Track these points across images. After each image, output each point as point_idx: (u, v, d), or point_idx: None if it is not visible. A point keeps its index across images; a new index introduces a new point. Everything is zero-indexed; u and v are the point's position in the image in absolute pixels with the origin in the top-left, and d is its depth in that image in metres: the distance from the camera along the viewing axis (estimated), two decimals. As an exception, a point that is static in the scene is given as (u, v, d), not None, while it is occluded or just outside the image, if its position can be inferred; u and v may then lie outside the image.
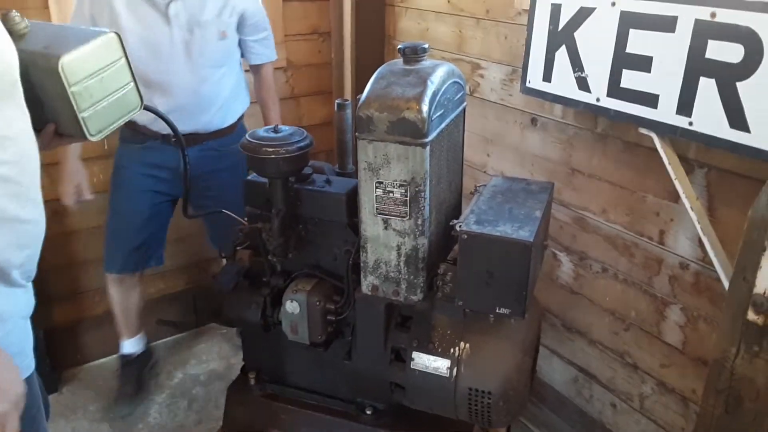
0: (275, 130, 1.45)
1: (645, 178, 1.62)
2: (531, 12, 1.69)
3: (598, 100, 1.55)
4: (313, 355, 1.65)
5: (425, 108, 1.24)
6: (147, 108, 1.21)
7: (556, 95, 1.67)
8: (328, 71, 2.61)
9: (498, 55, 1.99)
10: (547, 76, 1.68)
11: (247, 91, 2.17)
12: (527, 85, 1.75)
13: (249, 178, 1.58)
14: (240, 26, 2.00)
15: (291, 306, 1.54)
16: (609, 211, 1.75)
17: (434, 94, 1.27)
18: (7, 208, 0.90)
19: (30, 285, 1.04)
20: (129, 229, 2.10)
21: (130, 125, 1.98)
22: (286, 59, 2.50)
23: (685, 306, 1.62)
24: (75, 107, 1.01)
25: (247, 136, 1.45)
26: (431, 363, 1.46)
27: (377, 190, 1.33)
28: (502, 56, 1.97)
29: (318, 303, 1.52)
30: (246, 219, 1.64)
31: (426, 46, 1.34)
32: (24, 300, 1.02)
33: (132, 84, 1.13)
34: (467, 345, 1.43)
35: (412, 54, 1.33)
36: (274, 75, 2.49)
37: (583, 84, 1.58)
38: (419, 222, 1.33)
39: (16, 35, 0.97)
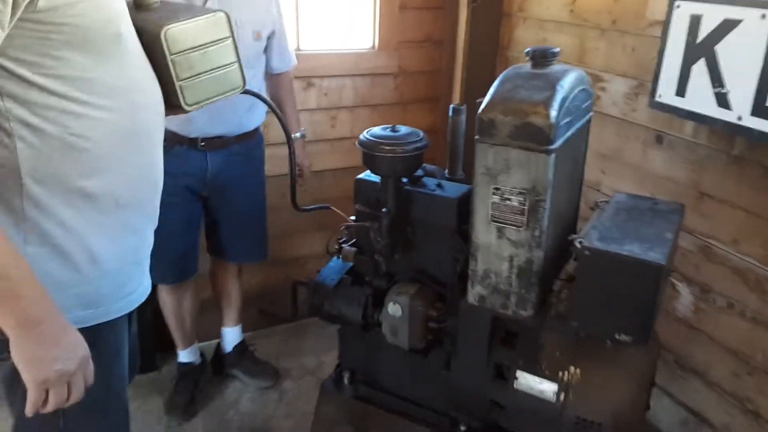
0: (393, 129, 1.44)
1: (789, 207, 1.47)
2: (666, 23, 1.59)
3: (739, 118, 1.42)
4: (411, 362, 1.62)
5: (553, 113, 1.18)
6: (248, 92, 1.25)
7: (690, 111, 1.56)
8: (438, 79, 2.59)
9: (623, 68, 1.89)
10: (680, 91, 1.57)
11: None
12: (657, 99, 1.65)
13: (360, 176, 1.58)
14: (271, 34, 1.97)
15: (393, 308, 1.52)
16: (741, 242, 1.60)
17: (563, 100, 1.22)
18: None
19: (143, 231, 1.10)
20: (164, 242, 1.87)
21: None
22: (398, 66, 2.51)
23: (828, 353, 1.45)
24: (174, 75, 1.06)
25: (365, 133, 1.46)
26: (536, 385, 1.38)
27: (494, 196, 1.28)
28: (627, 69, 1.87)
29: (421, 308, 1.49)
30: (354, 217, 1.65)
31: (556, 50, 1.29)
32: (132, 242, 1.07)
33: (236, 64, 1.17)
34: (578, 370, 1.34)
35: (542, 57, 1.28)
36: (384, 81, 2.53)
37: (722, 100, 1.46)
38: (536, 233, 1.27)
39: (145, 8, 1.08)
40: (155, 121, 1.08)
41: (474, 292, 1.39)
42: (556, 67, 1.29)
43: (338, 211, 1.69)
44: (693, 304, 1.77)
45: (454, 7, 2.42)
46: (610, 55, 1.93)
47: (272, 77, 2.09)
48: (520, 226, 1.28)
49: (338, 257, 1.67)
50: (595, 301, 1.24)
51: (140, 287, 1.11)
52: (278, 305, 2.60)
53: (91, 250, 0.99)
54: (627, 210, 1.38)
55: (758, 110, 1.37)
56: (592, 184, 2.06)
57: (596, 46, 1.97)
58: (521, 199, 1.26)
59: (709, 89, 1.49)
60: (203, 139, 1.89)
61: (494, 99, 1.24)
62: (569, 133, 1.27)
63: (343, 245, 1.63)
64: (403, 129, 1.45)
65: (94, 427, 1.09)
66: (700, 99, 1.52)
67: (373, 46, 2.49)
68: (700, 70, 1.52)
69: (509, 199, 1.27)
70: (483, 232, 1.33)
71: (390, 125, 1.47)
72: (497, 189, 1.28)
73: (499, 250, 1.32)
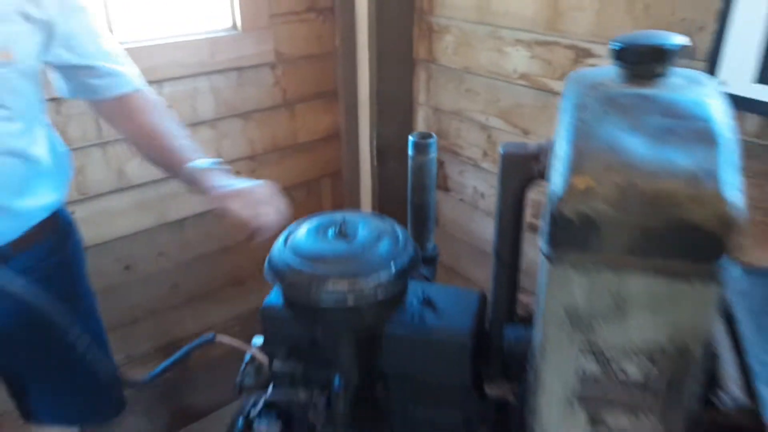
0: (341, 231, 0.70)
1: None
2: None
3: None
4: None
5: (732, 196, 0.53)
6: None
7: (788, 107, 0.98)
8: (333, 65, 1.84)
9: (627, 37, 1.27)
10: (764, 76, 0.99)
11: (67, 155, 1.20)
12: (722, 89, 1.05)
13: (270, 301, 0.83)
14: (56, 42, 1.01)
15: None
16: None
17: (735, 160, 0.56)
18: None
19: None
20: None
21: None
22: (275, 51, 1.72)
23: None
24: None
25: (281, 245, 0.70)
26: None
27: (586, 360, 0.62)
28: (635, 38, 1.26)
29: None
30: (259, 349, 0.92)
31: (678, 41, 0.62)
32: None
33: None
34: None
35: (653, 61, 0.61)
36: (257, 75, 1.73)
37: None
38: (674, 423, 0.63)
39: None
40: None
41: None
42: (676, 80, 0.63)
43: (230, 340, 0.96)
44: None
45: (346, -41, 1.66)
46: (605, 17, 1.31)
47: (109, 106, 1.13)
48: (641, 413, 0.63)
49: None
50: None
51: None
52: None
53: None
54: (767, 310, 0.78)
55: None
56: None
57: (579, 3, 1.34)
58: (648, 365, 0.60)
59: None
60: None
61: (584, 166, 0.55)
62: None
63: (256, 421, 0.89)
64: (359, 226, 0.71)
65: None
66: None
67: (234, 26, 1.67)
68: (805, 40, 0.93)
69: (619, 366, 0.61)
70: (558, 421, 0.66)
71: (331, 217, 0.73)
72: (595, 348, 0.61)
73: (591, 449, 0.67)
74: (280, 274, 0.67)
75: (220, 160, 1.11)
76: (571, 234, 0.56)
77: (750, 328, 0.75)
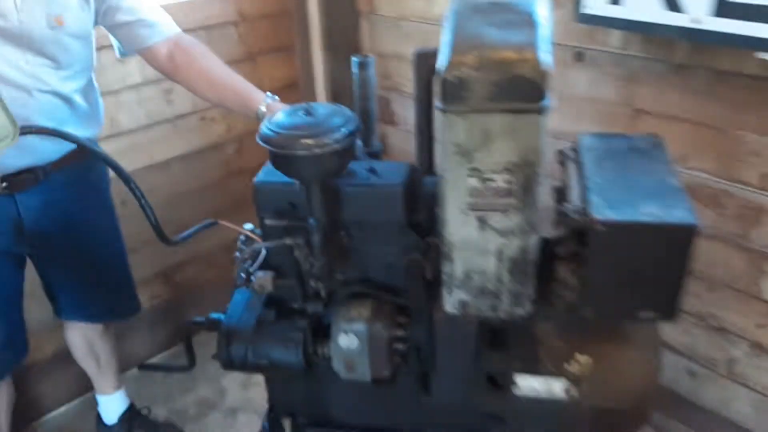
0: (308, 112, 1.01)
1: (743, 113, 1.34)
2: None
3: (696, 22, 1.22)
4: (373, 390, 1.29)
5: (544, 57, 0.86)
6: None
7: (629, 20, 1.33)
8: (289, 22, 2.12)
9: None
10: (614, -2, 1.33)
11: (101, 106, 1.52)
12: (584, 11, 1.40)
13: (260, 179, 1.15)
14: (106, 13, 1.34)
15: (346, 340, 1.17)
16: (690, 157, 1.47)
17: (549, 36, 0.90)
18: None
19: None
20: None
21: None
22: (238, 11, 1.99)
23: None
24: None
25: (268, 124, 1.01)
26: (541, 385, 1.14)
27: (471, 179, 0.95)
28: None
29: (383, 331, 1.16)
30: (252, 228, 1.24)
31: (516, -33, 0.95)
32: None
33: None
34: (588, 358, 1.12)
35: (500, -19, 0.94)
36: (223, 33, 2.00)
37: (672, 3, 1.24)
38: (530, 216, 0.97)
39: None
40: None
41: (453, 300, 1.08)
42: (517, -9, 0.96)
43: (229, 224, 1.28)
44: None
45: (293, -73, 1.94)
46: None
47: (164, 54, 1.41)
48: (509, 211, 0.97)
49: (246, 288, 1.25)
50: (613, 281, 1.00)
51: None
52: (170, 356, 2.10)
53: None
54: (606, 157, 1.14)
55: (722, 9, 1.18)
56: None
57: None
58: (509, 177, 0.94)
59: (652, -8, 1.26)
60: (4, 178, 1.29)
61: (458, 48, 0.88)
62: (548, 78, 0.97)
63: (252, 272, 1.21)
64: (320, 108, 1.03)
65: None
66: (641, 4, 1.29)
67: (200, -10, 1.94)
68: (636, -30, 1.28)
69: (492, 180, 0.95)
70: (459, 226, 1.00)
71: (299, 105, 1.04)
72: (475, 170, 0.94)
73: (482, 245, 1.01)
74: (268, 139, 0.99)
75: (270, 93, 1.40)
76: (453, 92, 0.89)
77: (591, 167, 1.10)
